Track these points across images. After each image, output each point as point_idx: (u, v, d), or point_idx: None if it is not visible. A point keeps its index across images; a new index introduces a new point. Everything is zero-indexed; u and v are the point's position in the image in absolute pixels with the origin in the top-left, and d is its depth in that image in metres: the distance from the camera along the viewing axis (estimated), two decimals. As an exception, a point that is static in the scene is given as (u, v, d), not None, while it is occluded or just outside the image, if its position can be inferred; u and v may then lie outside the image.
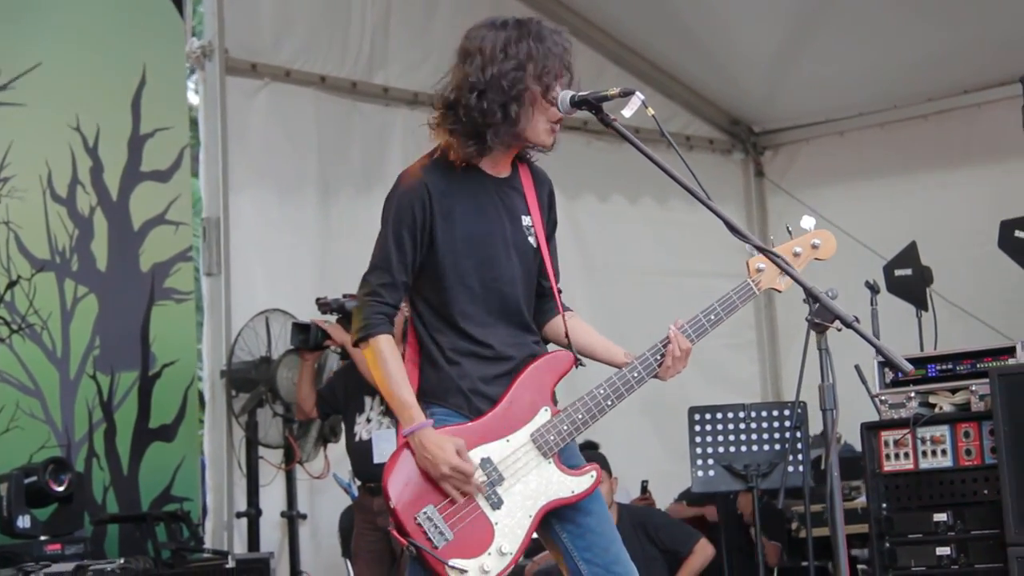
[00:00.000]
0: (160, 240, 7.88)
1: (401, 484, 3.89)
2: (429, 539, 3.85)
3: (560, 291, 4.22)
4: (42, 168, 7.42)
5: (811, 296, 3.69)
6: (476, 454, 3.92)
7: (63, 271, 7.45)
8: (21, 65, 7.34)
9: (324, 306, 7.14)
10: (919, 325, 7.44)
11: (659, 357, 4.02)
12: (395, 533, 3.89)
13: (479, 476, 3.90)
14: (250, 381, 7.92)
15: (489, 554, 3.88)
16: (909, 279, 7.51)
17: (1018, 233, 6.79)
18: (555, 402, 4.04)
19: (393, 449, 6.69)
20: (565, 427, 3.97)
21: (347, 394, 7.08)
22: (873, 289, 7.02)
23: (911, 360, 5.96)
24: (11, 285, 7.22)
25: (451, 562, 3.84)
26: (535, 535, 4.01)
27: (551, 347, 4.17)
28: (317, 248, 8.61)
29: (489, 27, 3.99)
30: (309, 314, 7.50)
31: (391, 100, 9.04)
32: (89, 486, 7.31)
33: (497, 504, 3.91)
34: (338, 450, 8.05)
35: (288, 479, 8.09)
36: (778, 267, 3.86)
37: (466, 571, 3.85)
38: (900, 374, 6.04)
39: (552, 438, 3.96)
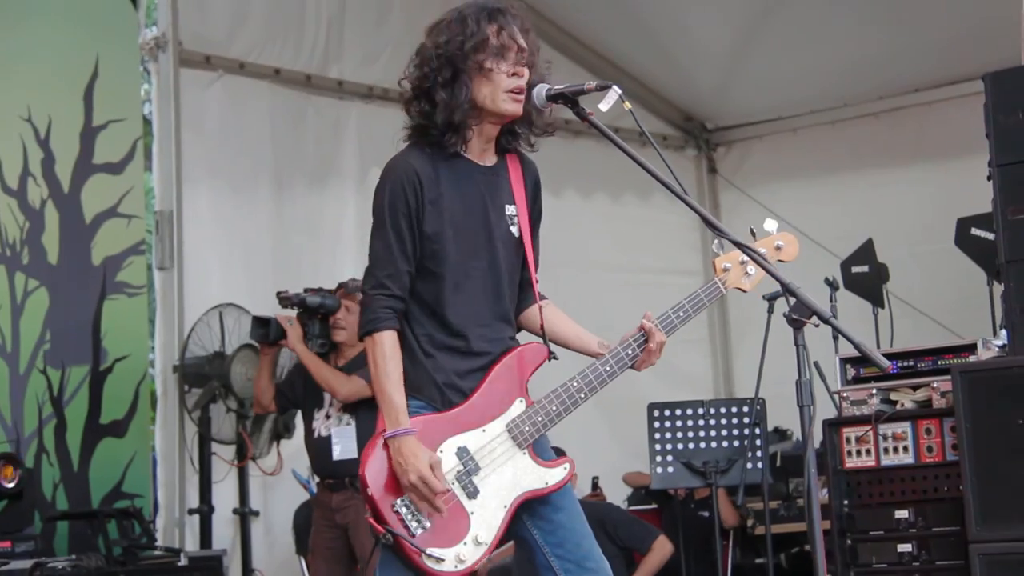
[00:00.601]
0: (112, 233, 7.80)
1: (378, 472, 3.86)
2: (406, 527, 3.83)
3: (537, 281, 4.21)
4: (-8, 159, 7.34)
5: (788, 291, 3.69)
6: (453, 443, 3.91)
7: (13, 264, 7.36)
8: (-29, 55, 7.27)
9: (285, 300, 7.07)
10: (875, 322, 7.48)
11: (630, 352, 4.03)
12: (372, 521, 3.85)
13: (455, 464, 3.89)
14: (203, 376, 7.84)
15: (465, 543, 3.87)
16: (866, 276, 7.56)
17: (974, 231, 6.83)
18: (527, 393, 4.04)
19: (352, 446, 6.74)
20: (540, 418, 3.98)
21: (306, 389, 7.02)
22: (832, 286, 7.04)
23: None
24: (-39, 278, 7.14)
25: (428, 550, 3.82)
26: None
27: (528, 338, 4.16)
28: (271, 242, 8.55)
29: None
30: (263, 308, 7.43)
31: (345, 94, 9.00)
32: (39, 482, 7.22)
33: (473, 493, 3.90)
34: (291, 446, 7.99)
35: (240, 475, 8.03)
36: (754, 260, 3.87)
37: (443, 560, 3.83)
38: (861, 370, 6.07)
39: (527, 429, 3.96)
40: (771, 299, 6.56)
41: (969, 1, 8.70)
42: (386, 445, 3.87)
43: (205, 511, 7.83)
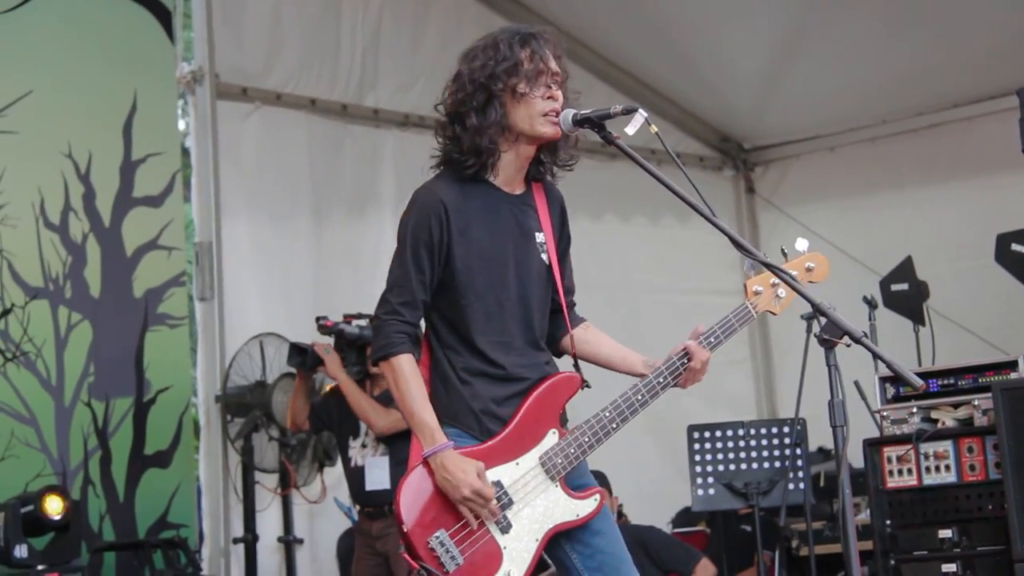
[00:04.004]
0: (153, 266, 7.85)
1: (413, 506, 3.87)
2: (441, 563, 3.83)
3: (575, 303, 4.22)
4: (35, 195, 7.40)
5: (819, 312, 3.67)
6: (488, 477, 3.90)
7: (57, 298, 7.41)
8: (13, 93, 7.33)
9: (323, 328, 7.11)
10: (917, 340, 7.43)
11: (662, 379, 4.03)
12: (406, 556, 3.86)
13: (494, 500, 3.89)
14: (245, 405, 7.88)
15: None
16: (906, 294, 7.51)
17: (1015, 246, 6.78)
18: (564, 423, 4.03)
19: (385, 476, 6.75)
20: (572, 450, 3.97)
21: (341, 415, 7.03)
22: (871, 304, 7.01)
23: (912, 375, 5.99)
24: (5, 313, 7.19)
25: None
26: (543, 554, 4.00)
27: (567, 363, 4.15)
28: (310, 271, 8.58)
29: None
30: (303, 336, 7.46)
31: (381, 122, 9.03)
32: (85, 514, 7.27)
33: (506, 528, 3.90)
34: (335, 474, 8.01)
35: (284, 504, 8.05)
36: (784, 282, 3.87)
37: None
38: (900, 389, 6.02)
39: (560, 461, 3.96)
40: (809, 319, 6.53)
41: (1007, 15, 8.66)
42: (427, 464, 3.87)
43: (250, 540, 7.84)
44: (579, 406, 4.11)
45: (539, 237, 4.08)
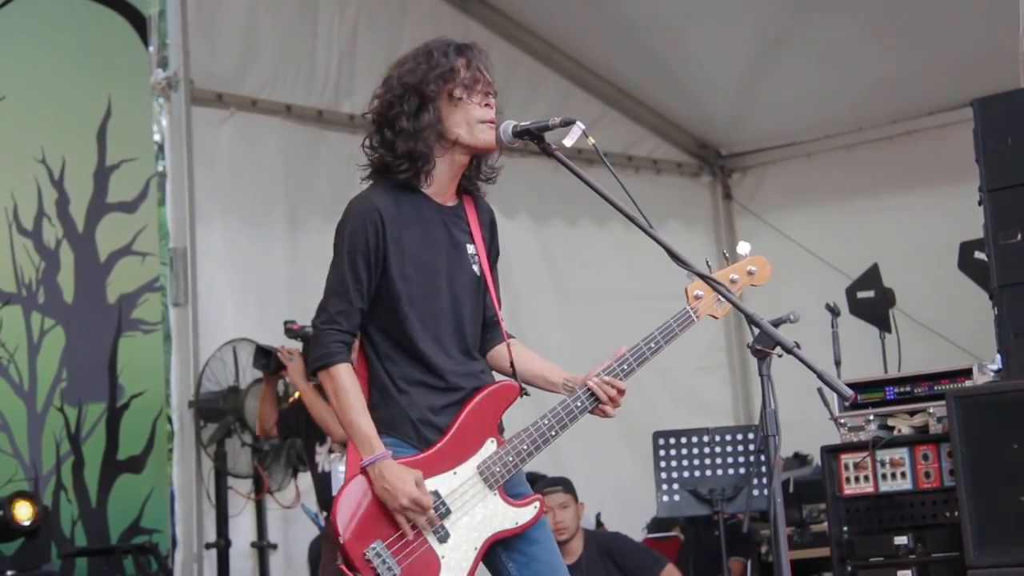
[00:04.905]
0: (127, 271, 7.91)
1: (350, 518, 3.88)
2: (378, 574, 3.84)
3: (502, 319, 4.23)
4: (7, 201, 7.45)
5: (752, 322, 3.70)
6: (425, 486, 3.91)
7: (30, 304, 7.46)
8: (-16, 99, 7.39)
9: (290, 331, 7.16)
10: (883, 346, 7.46)
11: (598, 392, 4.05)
12: (343, 568, 3.87)
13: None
14: (218, 411, 7.91)
15: None
16: (871, 301, 7.54)
17: (977, 254, 6.81)
18: (501, 432, 4.06)
19: (350, 479, 6.76)
20: (511, 458, 3.98)
21: (308, 420, 7.07)
22: (834, 312, 7.04)
23: (868, 383, 6.04)
24: (-23, 319, 7.24)
25: None
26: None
27: (496, 376, 4.18)
28: (284, 276, 8.59)
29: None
30: (277, 343, 7.48)
31: (357, 128, 8.99)
32: (57, 519, 7.31)
33: (444, 538, 3.91)
34: (308, 479, 8.03)
35: (258, 509, 8.08)
36: (719, 293, 3.90)
37: None
38: (859, 396, 6.06)
39: (498, 470, 3.97)
40: (776, 324, 6.54)
41: (981, 24, 8.68)
42: (366, 473, 3.88)
43: (222, 545, 7.87)
44: (515, 415, 4.14)
45: (470, 249, 4.09)
